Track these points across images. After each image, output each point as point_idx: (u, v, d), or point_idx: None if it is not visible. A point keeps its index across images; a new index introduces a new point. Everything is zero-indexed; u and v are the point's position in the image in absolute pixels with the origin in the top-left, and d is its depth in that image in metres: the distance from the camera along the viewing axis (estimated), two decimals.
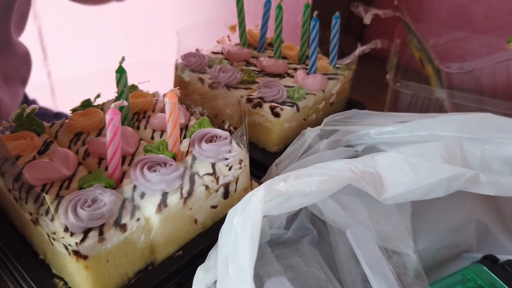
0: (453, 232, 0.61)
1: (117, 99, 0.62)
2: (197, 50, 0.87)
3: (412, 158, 0.53)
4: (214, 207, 0.54)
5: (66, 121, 0.61)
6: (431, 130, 0.64)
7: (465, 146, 0.57)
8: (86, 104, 0.63)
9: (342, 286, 0.52)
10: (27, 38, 0.94)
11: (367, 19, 0.85)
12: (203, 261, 0.48)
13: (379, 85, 1.02)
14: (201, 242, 0.53)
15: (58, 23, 1.56)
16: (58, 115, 0.99)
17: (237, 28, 0.93)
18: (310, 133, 0.70)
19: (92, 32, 1.53)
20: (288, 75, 0.84)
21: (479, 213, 0.63)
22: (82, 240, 0.42)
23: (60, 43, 1.60)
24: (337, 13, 0.81)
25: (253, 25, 0.97)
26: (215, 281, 0.45)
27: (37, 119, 0.58)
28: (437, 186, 0.51)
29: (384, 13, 0.86)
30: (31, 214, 0.47)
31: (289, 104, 0.73)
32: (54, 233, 0.44)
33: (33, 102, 1.03)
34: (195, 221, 0.53)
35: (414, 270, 0.54)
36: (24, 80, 0.96)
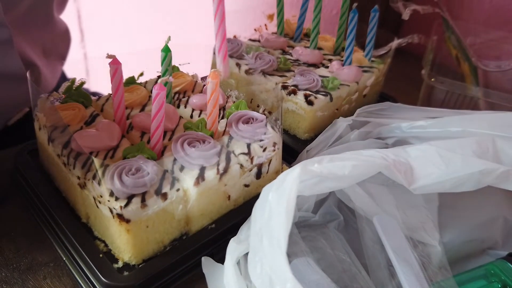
0: (479, 228, 0.62)
1: (159, 78, 0.65)
2: (234, 36, 0.89)
3: (443, 151, 0.54)
4: (246, 185, 0.57)
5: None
6: (463, 127, 0.64)
7: (498, 143, 0.57)
8: (130, 81, 0.66)
9: (366, 270, 0.54)
10: (66, 19, 0.98)
11: (406, 15, 0.85)
12: (234, 235, 0.50)
13: (413, 82, 1.02)
14: (233, 218, 0.56)
15: (97, 5, 1.60)
16: (95, 95, 1.03)
17: (274, 17, 0.94)
18: (342, 123, 0.71)
19: (130, 15, 1.57)
20: (323, 65, 0.85)
21: (506, 211, 0.63)
22: (126, 205, 0.45)
23: (98, 25, 1.64)
24: (376, 6, 0.82)
25: (290, 15, 0.99)
26: (246, 253, 0.48)
27: (85, 92, 0.61)
28: (468, 179, 0.51)
29: (423, 8, 0.86)
30: (79, 178, 0.50)
31: (323, 93, 0.74)
32: (101, 196, 0.47)
33: None
34: (229, 197, 0.55)
35: (439, 261, 0.55)
36: (62, 56, 0.99)
